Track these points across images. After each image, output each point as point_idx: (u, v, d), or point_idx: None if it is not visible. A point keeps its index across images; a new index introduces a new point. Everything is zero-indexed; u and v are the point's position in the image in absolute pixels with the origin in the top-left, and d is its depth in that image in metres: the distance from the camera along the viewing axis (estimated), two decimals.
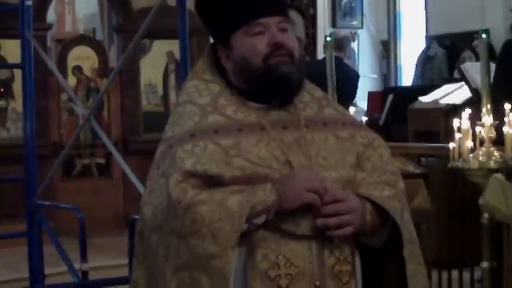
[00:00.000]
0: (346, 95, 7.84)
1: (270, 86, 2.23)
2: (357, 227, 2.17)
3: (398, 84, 12.42)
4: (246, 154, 2.16)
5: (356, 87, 8.37)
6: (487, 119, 4.78)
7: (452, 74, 10.23)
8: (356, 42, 12.51)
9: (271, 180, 2.13)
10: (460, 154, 4.89)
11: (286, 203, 2.11)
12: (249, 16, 2.23)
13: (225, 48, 2.28)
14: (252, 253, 2.12)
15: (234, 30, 2.25)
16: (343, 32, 9.66)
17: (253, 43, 2.22)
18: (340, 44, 8.10)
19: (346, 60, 8.85)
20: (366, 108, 10.27)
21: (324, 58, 7.24)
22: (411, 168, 5.19)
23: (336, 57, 7.14)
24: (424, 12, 12.11)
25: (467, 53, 9.76)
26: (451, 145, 4.95)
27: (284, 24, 2.26)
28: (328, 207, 2.13)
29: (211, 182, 2.12)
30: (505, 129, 4.78)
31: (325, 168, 2.21)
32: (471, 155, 4.84)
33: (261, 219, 2.11)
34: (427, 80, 10.97)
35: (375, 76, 12.66)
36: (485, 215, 4.86)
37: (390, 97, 9.07)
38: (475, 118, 4.90)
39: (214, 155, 2.14)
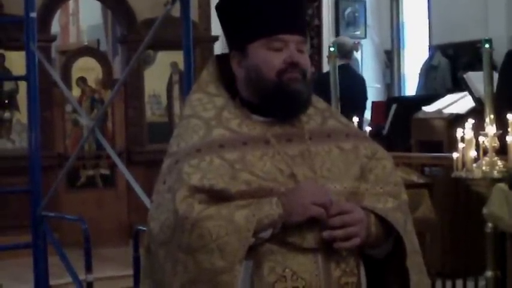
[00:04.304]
0: (358, 100, 7.83)
1: (280, 101, 2.24)
2: (363, 239, 2.18)
3: (402, 94, 12.43)
4: (252, 168, 2.17)
5: (365, 92, 8.32)
6: (491, 129, 4.79)
7: (455, 83, 10.24)
8: (360, 52, 12.53)
9: (276, 193, 2.14)
10: (463, 164, 4.90)
11: (292, 217, 2.12)
12: (272, 30, 2.24)
13: (239, 54, 2.28)
14: (259, 266, 2.13)
15: (254, 40, 2.25)
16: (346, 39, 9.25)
17: (271, 57, 2.23)
18: (347, 51, 8.01)
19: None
20: (369, 118, 10.26)
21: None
22: (415, 178, 5.20)
23: (343, 65, 7.13)
24: (428, 22, 12.12)
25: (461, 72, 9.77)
26: (455, 155, 4.96)
27: (302, 45, 2.27)
28: (335, 219, 2.14)
29: (217, 196, 2.12)
30: (508, 138, 4.79)
31: (330, 180, 2.22)
32: (475, 165, 4.85)
33: (267, 233, 2.12)
34: (430, 90, 10.97)
35: (379, 86, 12.67)
36: (489, 225, 4.88)
37: (394, 107, 9.07)
38: (479, 128, 4.91)
39: (220, 169, 2.15)
